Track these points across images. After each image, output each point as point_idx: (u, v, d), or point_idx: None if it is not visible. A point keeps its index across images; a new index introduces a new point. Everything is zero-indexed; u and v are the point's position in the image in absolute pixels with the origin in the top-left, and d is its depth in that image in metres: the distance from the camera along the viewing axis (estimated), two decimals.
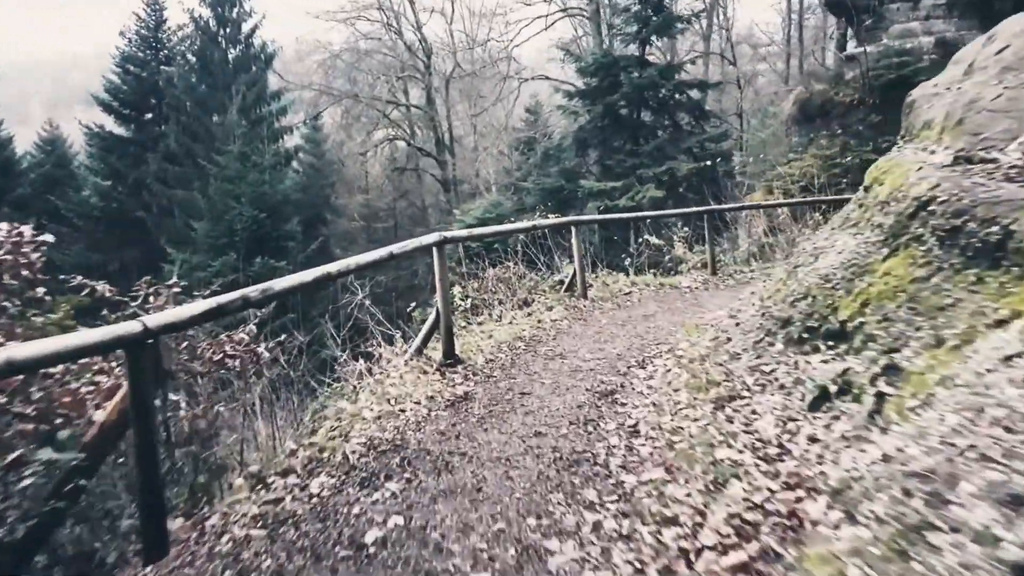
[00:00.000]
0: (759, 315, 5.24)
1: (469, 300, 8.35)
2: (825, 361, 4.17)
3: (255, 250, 25.35)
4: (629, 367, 5.76)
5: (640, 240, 11.23)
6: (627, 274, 10.22)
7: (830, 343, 4.29)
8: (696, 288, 9.46)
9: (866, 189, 5.77)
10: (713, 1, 30.70)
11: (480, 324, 7.35)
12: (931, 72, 19.42)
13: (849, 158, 19.21)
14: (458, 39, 33.69)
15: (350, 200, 34.36)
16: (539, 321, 7.28)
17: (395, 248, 5.12)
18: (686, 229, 11.43)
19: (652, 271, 11.23)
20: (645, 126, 24.39)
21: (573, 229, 8.27)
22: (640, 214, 10.13)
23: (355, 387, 5.53)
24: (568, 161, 25.75)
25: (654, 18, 23.36)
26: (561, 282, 8.76)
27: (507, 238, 8.65)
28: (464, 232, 6.34)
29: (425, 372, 5.41)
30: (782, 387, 4.15)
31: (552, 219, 8.29)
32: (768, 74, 38.82)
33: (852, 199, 6.39)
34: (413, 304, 9.98)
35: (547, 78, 29.79)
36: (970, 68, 6.63)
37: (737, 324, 5.47)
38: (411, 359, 5.67)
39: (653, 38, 24.33)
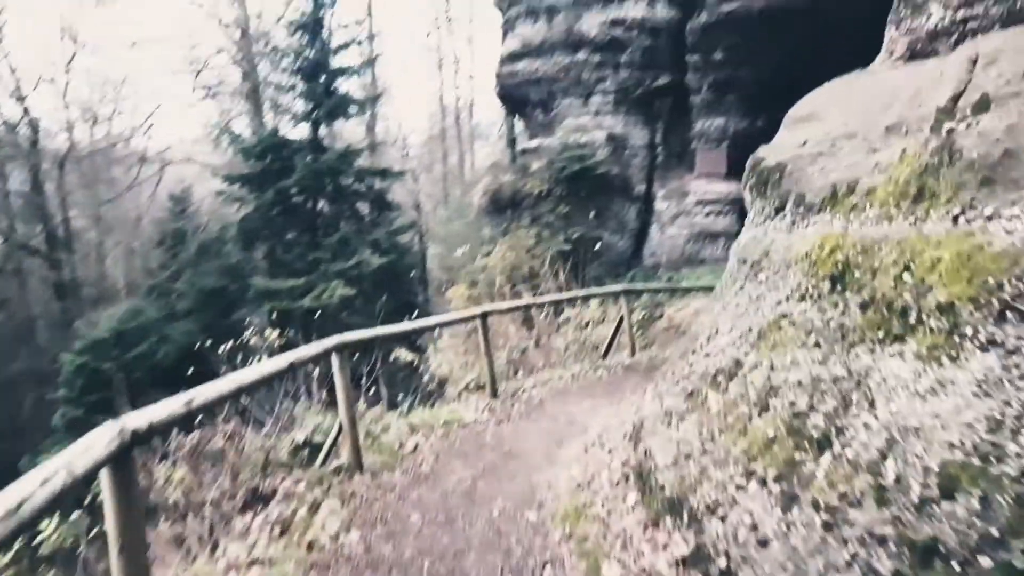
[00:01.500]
0: (836, 536, 2.76)
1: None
2: None
3: None
4: None
5: (391, 357, 8.33)
6: (392, 408, 7.18)
7: None
8: (488, 423, 6.82)
9: (834, 281, 3.83)
10: (377, 94, 29.50)
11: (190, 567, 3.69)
12: (609, 164, 20.31)
13: (544, 249, 18.79)
14: (77, 113, 27.26)
15: None
16: (309, 545, 3.90)
17: None
18: (448, 339, 8.92)
19: (403, 396, 8.34)
20: (324, 216, 21.58)
21: (336, 359, 4.99)
22: (417, 324, 7.27)
23: None
24: (232, 257, 21.58)
25: (328, 98, 21.03)
26: (309, 445, 5.40)
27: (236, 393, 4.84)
28: (177, 406, 2.80)
29: None
30: None
31: (311, 348, 4.83)
32: (420, 170, 39.05)
33: (821, 299, 4.38)
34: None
35: (196, 161, 25.26)
36: (848, 125, 5.36)
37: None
38: None
39: (325, 120, 21.85)
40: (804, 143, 5.57)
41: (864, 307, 3.50)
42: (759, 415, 3.62)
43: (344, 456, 5.17)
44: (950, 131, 3.79)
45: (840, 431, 3.05)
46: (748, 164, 6.17)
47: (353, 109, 22.02)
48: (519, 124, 25.41)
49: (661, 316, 16.35)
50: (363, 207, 22.17)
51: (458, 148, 37.53)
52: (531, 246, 18.77)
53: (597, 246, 19.72)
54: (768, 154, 5.95)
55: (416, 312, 11.79)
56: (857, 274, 3.71)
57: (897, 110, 4.66)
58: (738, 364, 4.26)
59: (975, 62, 3.94)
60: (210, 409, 3.57)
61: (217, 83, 26.26)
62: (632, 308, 15.55)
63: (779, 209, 5.41)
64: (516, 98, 22.36)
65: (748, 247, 5.48)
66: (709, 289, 15.01)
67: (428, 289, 23.74)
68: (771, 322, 4.23)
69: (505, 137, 26.58)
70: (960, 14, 5.14)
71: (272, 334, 7.62)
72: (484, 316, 7.61)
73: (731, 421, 3.79)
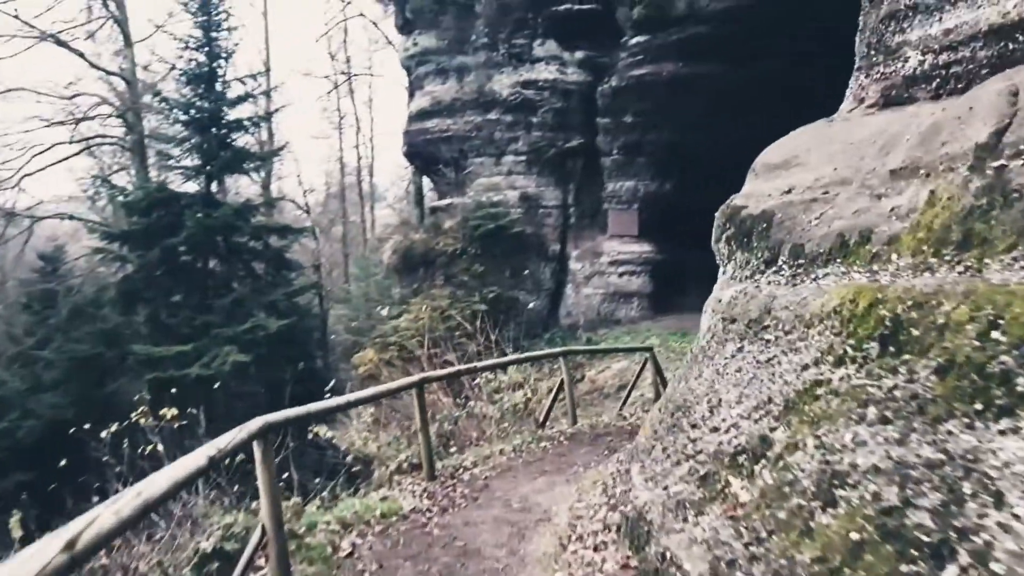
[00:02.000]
0: None
1: None
2: None
3: None
4: None
5: (310, 436, 7.15)
6: (305, 495, 6.02)
7: None
8: (431, 511, 5.78)
9: (884, 341, 3.24)
10: (276, 149, 28.14)
11: None
12: (523, 223, 19.90)
13: (459, 309, 18.01)
14: None
15: None
16: None
17: None
18: (371, 411, 7.84)
19: (319, 481, 7.17)
20: (216, 276, 19.89)
21: (259, 447, 3.90)
22: (350, 398, 6.14)
23: None
24: (109, 321, 19.45)
25: (222, 151, 19.65)
26: (219, 555, 4.20)
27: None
28: (52, 553, 1.79)
29: None
30: None
31: (232, 435, 3.74)
32: (320, 230, 37.57)
33: (869, 363, 3.77)
34: None
35: (72, 217, 22.95)
36: (839, 172, 4.95)
37: None
38: None
39: (220, 175, 20.38)
40: (790, 190, 5.13)
41: (941, 372, 2.89)
42: (823, 510, 2.91)
43: (267, 570, 4.05)
44: (1000, 169, 3.36)
45: (963, 534, 2.37)
46: (721, 214, 5.68)
47: (249, 164, 20.68)
48: (427, 183, 24.79)
49: (582, 379, 15.78)
50: (259, 267, 20.65)
51: (359, 208, 36.45)
52: (445, 307, 17.96)
53: (530, 305, 19.19)
54: (747, 203, 5.47)
55: (333, 382, 10.57)
56: (916, 332, 3.12)
57: (903, 153, 4.27)
58: (765, 442, 3.57)
59: (1016, 94, 3.57)
60: (106, 545, 2.47)
61: (97, 135, 24.16)
62: (553, 371, 14.96)
63: (770, 262, 4.90)
64: (425, 156, 21.81)
65: (737, 304, 4.89)
66: (631, 351, 14.68)
67: (330, 354, 22.24)
68: (800, 391, 3.59)
69: (408, 198, 25.86)
70: (942, 59, 4.90)
71: (170, 412, 6.32)
72: (421, 384, 6.64)
73: (783, 517, 3.07)
